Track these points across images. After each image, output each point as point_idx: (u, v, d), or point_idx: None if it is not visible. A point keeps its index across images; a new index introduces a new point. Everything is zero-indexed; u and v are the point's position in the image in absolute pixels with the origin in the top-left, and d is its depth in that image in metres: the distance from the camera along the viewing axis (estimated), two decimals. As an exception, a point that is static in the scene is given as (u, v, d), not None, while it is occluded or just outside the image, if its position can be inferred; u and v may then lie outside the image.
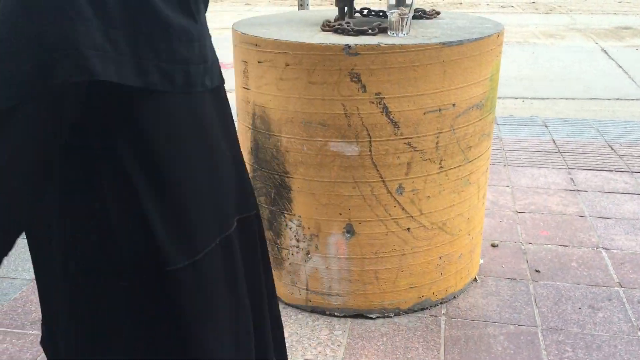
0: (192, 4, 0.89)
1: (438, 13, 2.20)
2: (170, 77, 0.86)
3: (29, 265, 2.29)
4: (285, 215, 1.98)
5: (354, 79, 1.75)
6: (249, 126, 1.98)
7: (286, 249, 2.03)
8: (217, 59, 1.00)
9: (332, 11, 2.27)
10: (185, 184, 0.92)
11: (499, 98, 4.73)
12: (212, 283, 0.98)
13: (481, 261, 2.33)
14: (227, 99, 1.03)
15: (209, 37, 0.96)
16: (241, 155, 1.07)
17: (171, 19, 0.85)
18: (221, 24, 8.72)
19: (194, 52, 0.89)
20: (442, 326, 1.99)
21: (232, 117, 1.05)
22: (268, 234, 2.06)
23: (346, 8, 2.07)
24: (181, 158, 0.91)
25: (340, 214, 1.90)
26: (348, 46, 1.73)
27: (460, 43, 1.77)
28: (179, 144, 0.90)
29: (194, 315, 0.95)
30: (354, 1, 2.12)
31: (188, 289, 0.93)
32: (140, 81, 0.82)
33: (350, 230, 1.92)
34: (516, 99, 4.88)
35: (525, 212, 2.76)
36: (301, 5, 3.56)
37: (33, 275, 1.98)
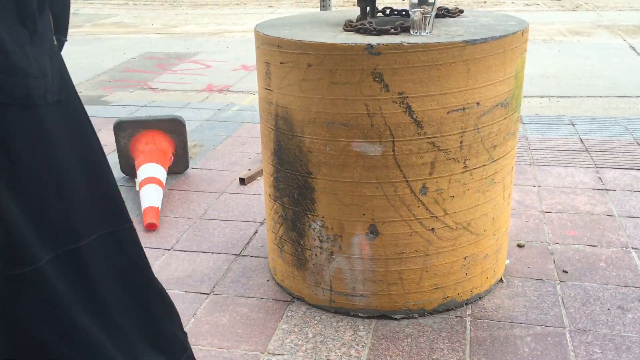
0: (30, 23, 0.93)
1: (461, 11, 2.18)
2: (9, 89, 0.89)
3: None
4: (309, 215, 1.98)
5: (377, 79, 1.74)
6: (272, 127, 1.99)
7: (309, 250, 2.03)
8: (65, 73, 1.03)
9: (354, 11, 2.27)
10: (18, 195, 0.94)
11: (525, 97, 4.67)
12: (56, 288, 1.00)
13: (507, 261, 2.31)
14: (80, 112, 1.05)
15: (54, 52, 1.00)
16: (104, 169, 1.08)
17: (6, 35, 0.89)
18: (244, 27, 8.77)
19: (32, 66, 0.92)
20: (468, 327, 1.97)
21: (87, 129, 1.05)
22: (292, 235, 2.06)
23: (368, 8, 2.07)
24: (16, 170, 0.93)
25: (364, 215, 1.90)
26: (370, 46, 1.72)
27: (484, 41, 1.76)
28: (17, 156, 0.92)
29: (40, 317, 0.99)
30: (376, 1, 2.11)
31: (28, 291, 0.96)
32: None
33: (373, 231, 1.91)
34: (542, 97, 4.81)
35: (552, 212, 2.72)
36: (323, 6, 3.57)
37: None
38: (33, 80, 0.93)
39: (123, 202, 1.11)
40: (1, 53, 0.88)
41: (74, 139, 1.02)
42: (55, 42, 1.03)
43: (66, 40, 1.12)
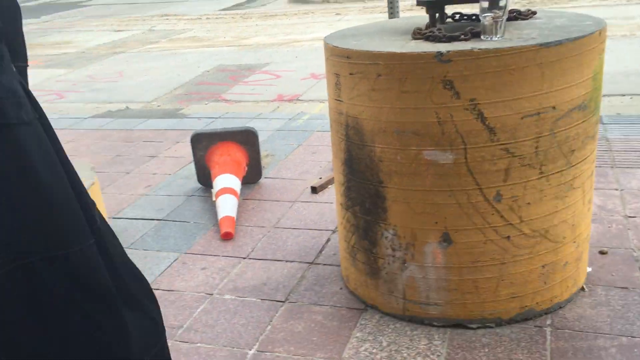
0: None
1: (534, 13, 2.13)
2: None
3: None
4: (381, 224, 1.98)
5: (447, 86, 1.73)
6: (343, 137, 2.01)
7: (382, 258, 2.03)
8: (31, 95, 1.11)
9: (422, 18, 2.25)
10: None
11: (605, 96, 4.47)
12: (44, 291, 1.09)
13: (589, 269, 2.22)
14: (48, 133, 1.11)
15: (13, 74, 1.08)
16: (64, 185, 1.12)
17: None
18: (312, 35, 8.86)
19: (3, 89, 1.01)
20: (548, 337, 1.91)
21: (51, 147, 1.11)
22: (364, 243, 2.07)
23: (437, 14, 2.05)
24: None
25: (436, 223, 1.88)
26: (440, 53, 1.71)
27: (558, 43, 1.71)
28: None
29: None
30: (446, 7, 2.09)
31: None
32: None
33: (447, 239, 1.89)
34: (623, 95, 4.60)
35: (636, 217, 2.59)
36: (391, 13, 3.56)
37: None
38: (5, 101, 1.01)
39: (78, 218, 1.14)
40: None
41: (47, 156, 1.10)
42: (15, 69, 1.12)
43: (27, 66, 1.22)
